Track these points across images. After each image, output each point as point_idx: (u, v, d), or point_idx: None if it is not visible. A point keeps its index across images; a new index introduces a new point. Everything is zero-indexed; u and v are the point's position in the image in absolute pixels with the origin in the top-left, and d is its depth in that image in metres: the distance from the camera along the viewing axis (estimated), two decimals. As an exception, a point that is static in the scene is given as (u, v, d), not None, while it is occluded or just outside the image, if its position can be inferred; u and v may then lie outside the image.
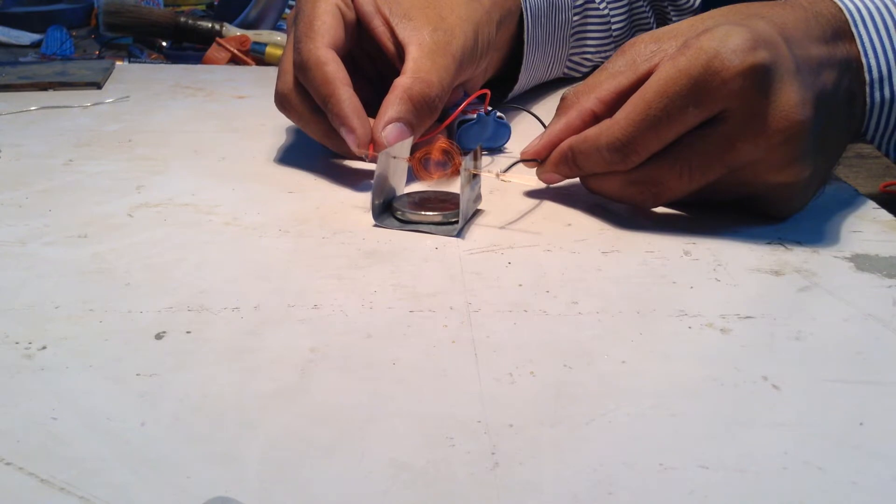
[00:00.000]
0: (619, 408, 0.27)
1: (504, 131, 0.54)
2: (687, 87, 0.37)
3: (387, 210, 0.43)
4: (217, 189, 0.48)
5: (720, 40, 0.37)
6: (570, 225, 0.42)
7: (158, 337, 0.31)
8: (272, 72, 0.84)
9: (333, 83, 0.44)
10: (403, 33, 0.48)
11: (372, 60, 0.53)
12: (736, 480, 0.24)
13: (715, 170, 0.39)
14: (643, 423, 0.27)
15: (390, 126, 0.44)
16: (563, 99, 0.44)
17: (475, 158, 0.43)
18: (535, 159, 0.45)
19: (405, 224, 0.42)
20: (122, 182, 0.49)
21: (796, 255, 0.39)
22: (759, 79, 0.36)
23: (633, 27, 0.71)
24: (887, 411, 0.27)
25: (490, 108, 0.53)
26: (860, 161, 0.59)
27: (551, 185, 0.46)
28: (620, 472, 0.24)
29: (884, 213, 0.44)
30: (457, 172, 0.43)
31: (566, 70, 0.68)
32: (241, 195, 0.47)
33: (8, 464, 0.24)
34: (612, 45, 0.69)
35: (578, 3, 0.65)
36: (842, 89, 0.40)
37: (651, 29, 0.72)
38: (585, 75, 0.70)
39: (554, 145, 0.43)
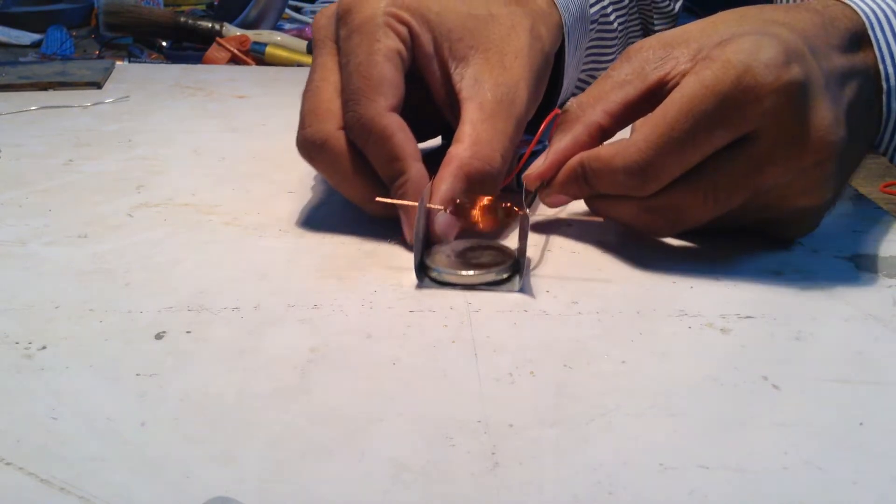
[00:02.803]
0: (619, 408, 0.27)
1: None
2: (715, 105, 0.33)
3: (423, 266, 0.37)
4: (217, 189, 0.48)
5: (750, 53, 0.33)
6: (570, 226, 0.42)
7: (158, 337, 0.31)
8: (272, 72, 0.84)
9: (405, 160, 0.38)
10: (461, 84, 0.41)
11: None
12: (736, 480, 0.24)
13: (740, 195, 0.35)
14: (643, 423, 0.27)
15: (440, 216, 0.38)
16: (564, 112, 0.40)
17: (525, 198, 0.38)
18: (541, 182, 0.39)
19: (455, 286, 0.35)
20: (122, 182, 0.49)
21: (796, 255, 0.39)
22: (795, 97, 0.33)
23: (628, 37, 0.67)
24: (887, 411, 0.27)
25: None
26: (860, 161, 0.58)
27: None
28: (620, 472, 0.24)
29: (884, 214, 0.44)
30: (504, 219, 0.37)
31: (575, 90, 0.62)
32: (241, 195, 0.47)
33: (8, 464, 0.24)
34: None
35: (594, 18, 0.58)
36: (862, 101, 0.37)
37: (638, 37, 0.68)
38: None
39: (560, 164, 0.39)
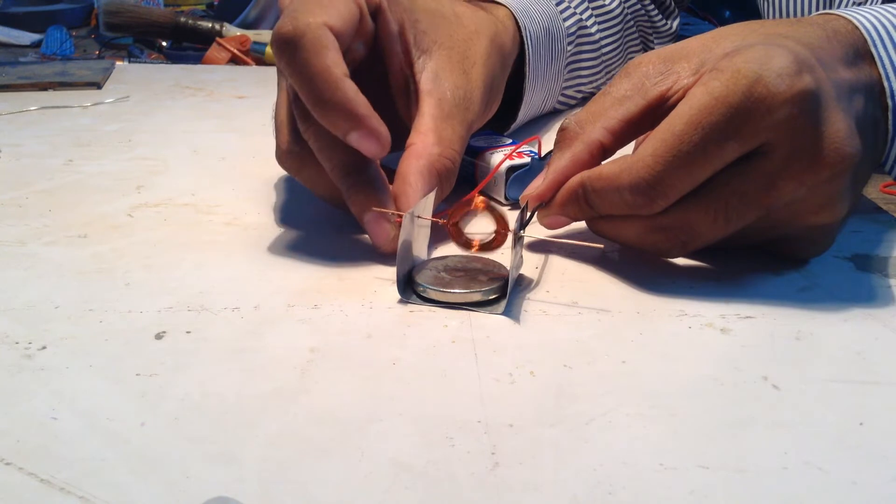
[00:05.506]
0: (619, 408, 0.27)
1: None
2: (726, 117, 0.32)
3: (410, 281, 0.35)
4: (217, 189, 0.48)
5: (761, 63, 0.32)
6: (570, 226, 0.42)
7: (158, 337, 0.31)
8: (272, 72, 0.83)
9: (335, 76, 0.34)
10: (422, 75, 0.41)
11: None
12: (736, 480, 0.24)
13: (752, 212, 0.34)
14: (643, 423, 0.27)
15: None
16: (562, 129, 0.38)
17: (523, 217, 0.37)
18: (539, 203, 0.38)
19: (438, 304, 0.34)
20: (122, 182, 0.49)
21: (796, 255, 0.39)
22: (808, 106, 0.32)
23: (627, 51, 0.67)
24: (887, 411, 0.27)
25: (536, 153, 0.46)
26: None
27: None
28: (620, 472, 0.24)
29: (884, 214, 0.44)
30: (502, 238, 0.36)
31: (557, 104, 0.63)
32: (241, 195, 0.47)
33: (8, 464, 0.24)
34: (604, 73, 0.64)
35: (572, 30, 0.59)
36: (868, 116, 0.36)
37: (640, 53, 0.68)
38: (575, 107, 0.64)
39: (560, 184, 0.37)
